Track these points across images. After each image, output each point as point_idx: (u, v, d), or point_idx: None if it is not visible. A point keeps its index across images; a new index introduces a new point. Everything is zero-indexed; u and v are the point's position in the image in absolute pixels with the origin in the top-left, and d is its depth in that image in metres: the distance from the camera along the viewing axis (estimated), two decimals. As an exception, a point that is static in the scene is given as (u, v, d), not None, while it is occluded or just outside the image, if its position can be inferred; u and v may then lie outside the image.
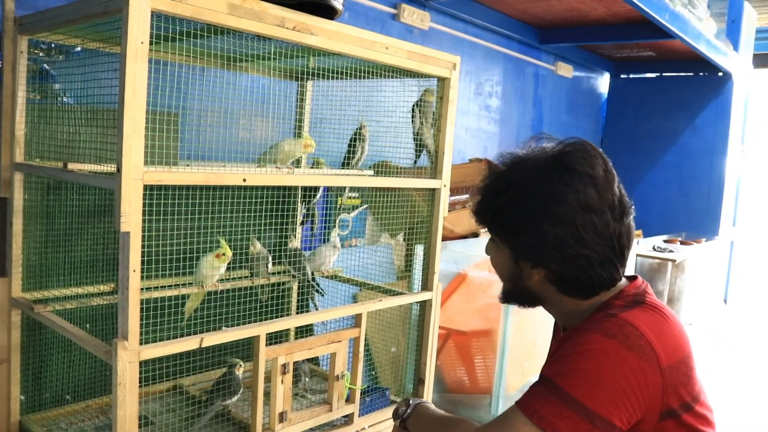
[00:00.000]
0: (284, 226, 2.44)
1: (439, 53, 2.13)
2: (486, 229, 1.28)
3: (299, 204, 2.47)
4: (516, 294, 1.27)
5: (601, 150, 1.17)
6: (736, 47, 5.40)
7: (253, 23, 1.59)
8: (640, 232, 5.57)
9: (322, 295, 2.40)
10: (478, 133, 4.44)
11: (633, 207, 1.18)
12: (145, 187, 1.46)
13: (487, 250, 1.29)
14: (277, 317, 1.97)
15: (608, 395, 1.03)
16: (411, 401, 1.39)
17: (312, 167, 2.31)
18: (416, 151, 2.29)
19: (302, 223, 2.54)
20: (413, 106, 2.26)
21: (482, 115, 4.47)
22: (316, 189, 2.41)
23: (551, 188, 1.12)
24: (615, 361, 1.04)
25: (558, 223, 1.12)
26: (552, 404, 1.05)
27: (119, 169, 1.41)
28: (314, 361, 2.61)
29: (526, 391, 1.13)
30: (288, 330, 2.50)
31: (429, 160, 2.28)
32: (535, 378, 1.15)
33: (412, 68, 2.06)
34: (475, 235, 3.61)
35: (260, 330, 1.78)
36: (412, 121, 2.27)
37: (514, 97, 4.79)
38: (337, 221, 2.61)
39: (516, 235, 1.19)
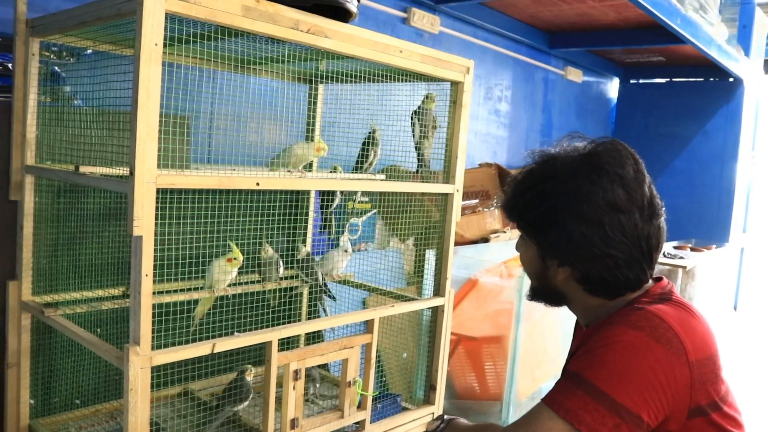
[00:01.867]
0: (295, 231, 2.42)
1: (452, 57, 2.11)
2: (514, 226, 1.27)
3: (317, 211, 2.44)
4: (542, 292, 1.26)
5: (633, 150, 1.16)
6: (747, 53, 5.37)
7: (268, 25, 1.58)
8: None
9: (334, 300, 2.38)
10: (487, 138, 4.42)
11: (664, 209, 1.16)
12: (158, 191, 1.45)
13: (517, 247, 1.29)
14: (287, 322, 1.96)
15: (636, 388, 1.01)
16: (445, 417, 1.39)
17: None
18: (418, 161, 2.28)
19: (320, 232, 2.52)
20: (412, 115, 2.24)
21: (491, 120, 4.45)
22: (333, 195, 2.39)
23: (579, 187, 1.12)
24: (643, 353, 1.02)
25: (585, 223, 1.11)
26: (579, 397, 1.03)
27: (132, 173, 1.40)
28: (324, 366, 2.59)
29: (552, 387, 1.11)
30: (298, 335, 2.48)
31: (423, 170, 2.26)
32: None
33: (426, 72, 2.04)
34: (486, 240, 3.58)
35: (273, 335, 1.76)
36: (412, 130, 2.25)
37: (523, 102, 4.77)
38: (346, 225, 2.59)
39: (542, 233, 1.18)
